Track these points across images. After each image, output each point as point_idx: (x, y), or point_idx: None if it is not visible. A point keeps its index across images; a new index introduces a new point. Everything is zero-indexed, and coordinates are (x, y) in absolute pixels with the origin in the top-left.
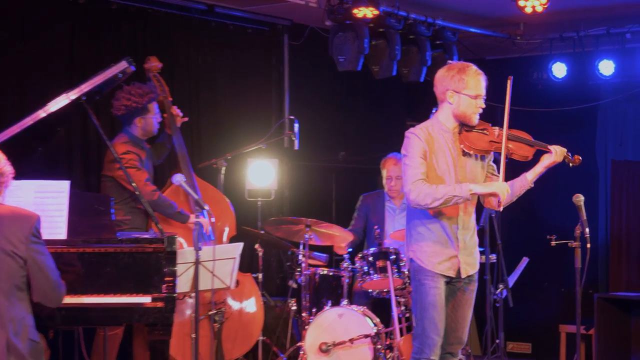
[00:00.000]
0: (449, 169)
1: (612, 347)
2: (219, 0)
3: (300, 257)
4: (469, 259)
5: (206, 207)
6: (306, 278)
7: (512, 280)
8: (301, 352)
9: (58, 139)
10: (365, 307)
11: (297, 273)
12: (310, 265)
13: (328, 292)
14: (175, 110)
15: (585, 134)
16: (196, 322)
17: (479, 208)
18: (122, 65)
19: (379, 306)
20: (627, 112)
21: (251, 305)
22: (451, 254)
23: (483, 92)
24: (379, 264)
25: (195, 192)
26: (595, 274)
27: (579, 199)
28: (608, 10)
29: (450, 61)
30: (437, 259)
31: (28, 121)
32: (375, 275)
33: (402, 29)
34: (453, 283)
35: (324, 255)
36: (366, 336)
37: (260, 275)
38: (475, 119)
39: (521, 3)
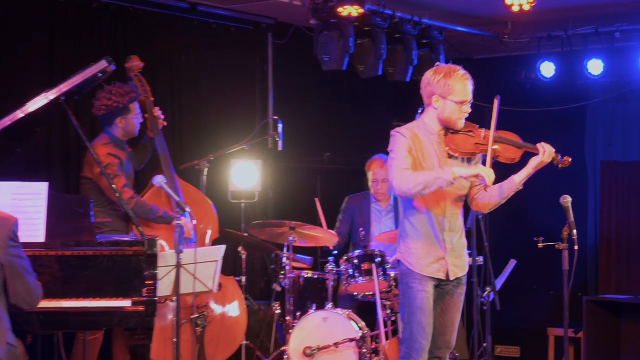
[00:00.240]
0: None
1: (601, 351)
2: None
3: (285, 259)
4: (458, 261)
5: (187, 209)
6: (290, 281)
7: (499, 283)
8: (285, 357)
9: (37, 139)
10: (350, 310)
11: (281, 276)
12: (294, 268)
13: (312, 295)
14: (157, 112)
15: (574, 134)
16: (177, 326)
17: (467, 210)
18: (102, 64)
19: (365, 309)
20: (616, 113)
21: (234, 309)
22: (439, 255)
23: (469, 97)
24: (365, 266)
25: (177, 194)
26: (585, 276)
27: (567, 200)
28: (597, 9)
29: (438, 63)
30: (426, 261)
31: (6, 122)
32: (361, 278)
33: (388, 27)
34: (442, 286)
35: (309, 258)
36: (351, 340)
37: (243, 279)
38: (460, 124)
39: (508, 1)
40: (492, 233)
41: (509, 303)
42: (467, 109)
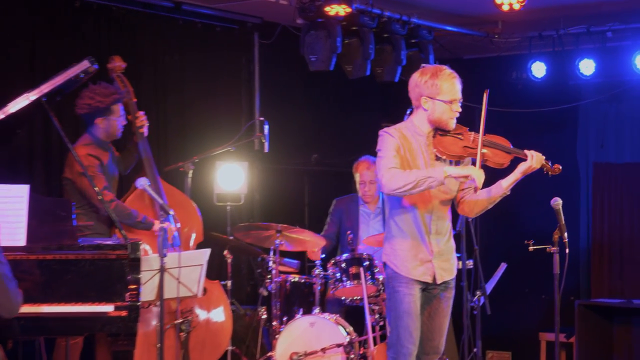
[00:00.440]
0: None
1: (593, 356)
2: None
3: (271, 263)
4: (445, 265)
5: (171, 212)
6: (277, 285)
7: (489, 286)
8: None
9: (18, 141)
10: (337, 315)
11: (268, 280)
12: (281, 272)
13: (299, 299)
14: (142, 118)
15: (565, 135)
16: (161, 331)
17: (456, 213)
18: (84, 64)
19: (352, 314)
20: (608, 113)
21: (219, 313)
22: (425, 258)
23: (458, 95)
24: (352, 270)
25: (160, 196)
26: (577, 280)
27: (557, 203)
28: (588, 7)
29: (424, 64)
30: (412, 263)
31: None
32: (348, 282)
33: (376, 27)
34: (429, 290)
35: (295, 261)
36: (339, 345)
37: (229, 283)
38: (452, 124)
39: (498, 0)
40: (482, 236)
41: (499, 307)
42: (457, 107)
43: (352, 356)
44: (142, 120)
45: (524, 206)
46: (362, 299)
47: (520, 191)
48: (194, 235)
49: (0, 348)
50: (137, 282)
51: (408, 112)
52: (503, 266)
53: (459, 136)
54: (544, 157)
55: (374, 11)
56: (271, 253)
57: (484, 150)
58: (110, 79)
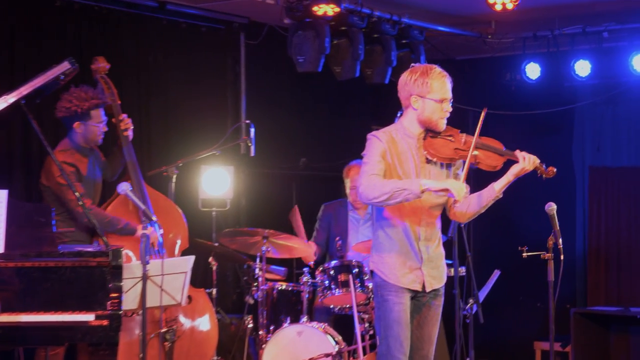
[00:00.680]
0: (411, 176)
1: None
2: None
3: (257, 270)
4: (434, 272)
5: (154, 218)
6: (263, 293)
7: (482, 294)
8: None
9: None
10: (326, 324)
11: (254, 288)
12: (267, 279)
13: (287, 308)
14: (126, 122)
15: (561, 138)
16: (143, 341)
17: (447, 218)
18: (65, 66)
19: (341, 323)
20: (604, 116)
21: (204, 322)
22: (414, 266)
23: (449, 95)
24: (341, 277)
25: (144, 202)
26: (573, 287)
27: (552, 208)
28: (584, 7)
29: (413, 64)
30: (400, 271)
31: None
32: (337, 290)
33: (365, 27)
34: (418, 298)
35: (283, 268)
36: (327, 355)
37: (214, 291)
38: (442, 125)
39: (491, 0)
40: (475, 242)
41: (493, 316)
42: (448, 107)
43: None
44: (127, 124)
45: (518, 211)
46: (351, 308)
47: (514, 196)
48: (179, 242)
49: None
50: (119, 290)
51: (399, 114)
52: (496, 273)
53: (450, 138)
54: (538, 160)
55: (363, 11)
56: (257, 260)
57: (476, 152)
58: (93, 81)
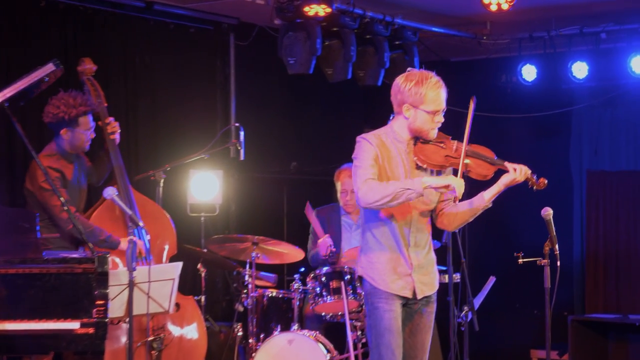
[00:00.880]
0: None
1: None
2: None
3: (247, 277)
4: (425, 279)
5: (141, 224)
6: (253, 300)
7: (477, 301)
8: None
9: None
10: (317, 332)
11: (244, 295)
12: (257, 286)
13: (277, 315)
14: (114, 126)
15: (558, 142)
16: (129, 349)
17: None
18: (49, 67)
19: (333, 331)
20: (602, 119)
21: (193, 330)
22: (404, 272)
23: (443, 106)
24: (333, 284)
25: (131, 207)
26: (570, 294)
27: (548, 213)
28: (581, 7)
29: (410, 68)
30: (390, 277)
31: None
32: (329, 297)
33: (357, 28)
34: (409, 305)
35: (273, 275)
36: None
37: (203, 298)
38: (433, 134)
39: (486, 0)
40: (470, 248)
41: (488, 323)
42: (440, 118)
43: None
44: (114, 127)
45: (513, 216)
46: (343, 315)
47: (510, 201)
48: (167, 248)
49: None
50: (105, 297)
51: (391, 117)
52: (492, 280)
53: (441, 145)
54: (530, 171)
55: (355, 11)
56: (247, 266)
57: (467, 161)
58: (79, 82)
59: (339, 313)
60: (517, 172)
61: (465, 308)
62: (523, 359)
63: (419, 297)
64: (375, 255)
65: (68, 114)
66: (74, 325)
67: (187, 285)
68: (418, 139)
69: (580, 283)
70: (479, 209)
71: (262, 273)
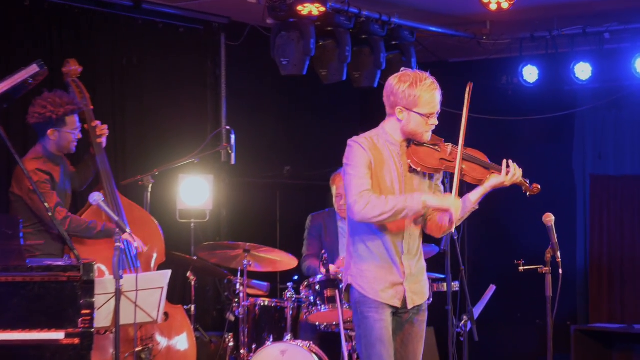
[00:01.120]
0: (393, 185)
1: None
2: None
3: (238, 286)
4: (416, 287)
5: (128, 230)
6: (245, 310)
7: (477, 311)
8: None
9: None
10: (311, 342)
11: (235, 304)
12: (249, 295)
13: (270, 325)
14: (101, 129)
15: (560, 145)
16: None
17: None
18: (33, 69)
19: (327, 341)
20: (606, 121)
21: (182, 341)
22: (396, 281)
23: (437, 108)
24: (327, 293)
25: (118, 213)
26: (573, 303)
27: (550, 219)
28: (584, 6)
29: (404, 68)
30: (380, 285)
31: None
32: (323, 306)
33: (353, 28)
34: (399, 314)
35: (265, 283)
36: None
37: (192, 307)
38: (426, 137)
39: None
40: (469, 255)
41: (488, 333)
42: (434, 121)
43: None
44: (102, 130)
45: (514, 222)
46: (337, 325)
47: (510, 206)
48: (155, 255)
49: None
50: (91, 306)
51: None
52: (492, 288)
53: (436, 148)
54: (521, 177)
55: (350, 10)
56: (239, 274)
57: (462, 165)
58: (64, 84)
59: (334, 323)
60: (508, 176)
61: (465, 317)
62: None
63: (409, 306)
64: (365, 264)
65: (55, 113)
66: (58, 335)
67: (177, 293)
68: (411, 141)
69: (583, 291)
70: (467, 212)
71: (254, 281)
